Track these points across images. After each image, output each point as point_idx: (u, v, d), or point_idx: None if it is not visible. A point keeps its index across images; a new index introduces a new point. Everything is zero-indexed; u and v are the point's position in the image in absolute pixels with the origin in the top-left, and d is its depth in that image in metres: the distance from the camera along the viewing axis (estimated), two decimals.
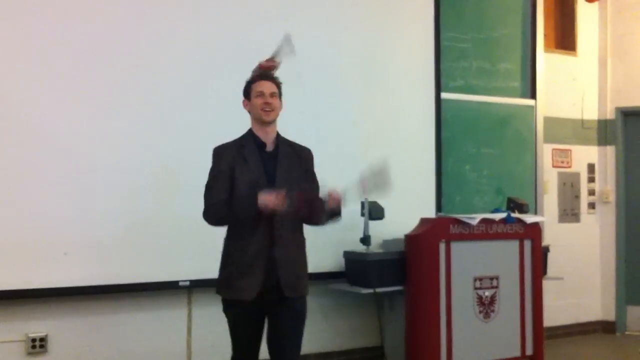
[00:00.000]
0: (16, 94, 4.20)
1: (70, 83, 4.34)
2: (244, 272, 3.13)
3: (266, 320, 3.28)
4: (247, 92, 3.35)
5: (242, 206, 3.12)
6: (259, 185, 3.12)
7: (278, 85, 3.37)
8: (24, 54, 4.24)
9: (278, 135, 3.37)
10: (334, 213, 3.24)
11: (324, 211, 3.20)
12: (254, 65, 3.55)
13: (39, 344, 4.29)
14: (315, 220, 3.29)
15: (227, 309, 3.25)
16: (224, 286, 3.23)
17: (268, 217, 3.09)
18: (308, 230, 3.39)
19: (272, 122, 3.31)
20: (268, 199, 3.02)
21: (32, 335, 4.28)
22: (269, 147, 3.30)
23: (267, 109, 3.25)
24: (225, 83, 4.48)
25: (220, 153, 3.30)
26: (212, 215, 3.23)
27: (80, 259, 4.29)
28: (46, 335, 4.32)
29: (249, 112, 3.36)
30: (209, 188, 3.26)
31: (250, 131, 3.35)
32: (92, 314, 4.45)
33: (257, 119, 3.30)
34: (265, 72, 3.43)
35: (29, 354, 4.28)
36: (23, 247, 4.16)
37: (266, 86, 3.30)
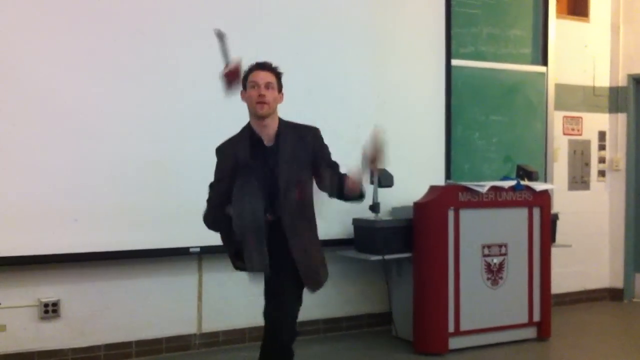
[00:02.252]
0: (26, 66, 4.20)
1: (81, 55, 4.34)
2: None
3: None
4: (244, 83, 3.15)
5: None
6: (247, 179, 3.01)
7: (277, 75, 3.14)
8: (35, 30, 4.23)
9: (281, 123, 3.17)
10: (357, 196, 3.15)
11: (341, 187, 3.11)
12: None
13: (51, 309, 4.35)
14: (340, 197, 3.18)
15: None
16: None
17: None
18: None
19: (268, 116, 3.09)
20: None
21: (44, 300, 4.34)
22: (268, 142, 3.12)
23: (260, 101, 3.04)
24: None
25: (221, 152, 3.18)
26: (206, 223, 3.21)
27: (90, 225, 4.33)
28: (58, 300, 4.38)
29: (246, 104, 3.16)
30: (211, 188, 3.20)
31: (248, 125, 3.18)
32: (103, 280, 4.50)
33: (252, 113, 3.12)
34: (263, 62, 3.15)
35: (42, 318, 4.34)
36: (34, 214, 4.19)
37: (261, 76, 3.07)
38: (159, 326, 4.68)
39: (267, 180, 3.04)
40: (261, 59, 3.21)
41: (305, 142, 3.17)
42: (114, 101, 4.42)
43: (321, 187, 3.21)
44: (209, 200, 3.19)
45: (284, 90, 3.20)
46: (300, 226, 3.13)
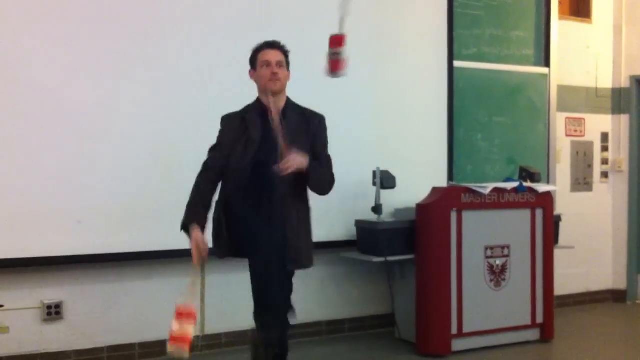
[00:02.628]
0: (29, 68, 4.20)
1: (84, 56, 4.34)
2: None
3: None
4: (253, 62, 3.27)
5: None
6: (252, 154, 3.16)
7: (285, 53, 3.28)
8: (39, 32, 4.24)
9: (288, 102, 3.30)
10: (312, 181, 3.21)
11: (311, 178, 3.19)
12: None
13: (54, 311, 4.36)
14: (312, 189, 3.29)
15: None
16: None
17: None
18: (321, 199, 3.39)
19: (280, 91, 3.23)
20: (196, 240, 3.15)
21: (47, 302, 4.35)
22: (275, 115, 3.20)
23: (273, 79, 3.17)
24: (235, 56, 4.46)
25: (226, 121, 3.31)
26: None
27: (93, 227, 4.33)
28: (61, 302, 4.39)
29: (255, 82, 3.28)
30: (211, 151, 3.32)
31: (257, 100, 3.30)
32: (106, 282, 4.51)
33: (264, 90, 3.23)
34: (272, 41, 3.29)
35: (45, 320, 4.35)
36: (37, 216, 4.20)
37: (272, 55, 3.22)
38: (162, 328, 4.65)
39: (269, 149, 3.13)
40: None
41: (309, 125, 3.29)
42: (118, 102, 4.42)
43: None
44: (205, 163, 3.29)
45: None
46: (292, 201, 3.20)
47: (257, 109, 3.27)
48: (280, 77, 3.20)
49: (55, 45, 4.27)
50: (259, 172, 3.16)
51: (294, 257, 3.21)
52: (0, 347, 4.18)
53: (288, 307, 3.29)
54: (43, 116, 4.24)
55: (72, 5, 4.33)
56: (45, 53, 4.24)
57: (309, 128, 3.28)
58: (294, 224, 3.20)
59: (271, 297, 3.20)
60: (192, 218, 3.18)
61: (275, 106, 3.11)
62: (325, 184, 3.29)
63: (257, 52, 3.26)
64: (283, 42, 3.39)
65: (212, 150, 3.32)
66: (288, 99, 3.32)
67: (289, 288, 3.32)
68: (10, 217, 4.13)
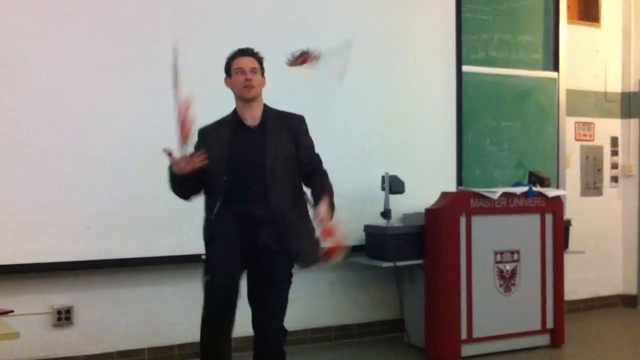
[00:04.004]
0: (40, 73, 4.23)
1: (96, 62, 4.37)
2: None
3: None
4: (228, 69, 3.27)
5: (170, 181, 3.21)
6: (223, 162, 3.13)
7: (259, 60, 3.26)
8: (53, 38, 4.28)
9: (266, 109, 3.29)
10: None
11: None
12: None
13: (64, 316, 4.37)
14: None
15: None
16: None
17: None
18: None
19: (255, 98, 3.23)
20: (176, 160, 3.04)
21: (57, 307, 4.37)
22: (250, 122, 3.23)
23: (247, 85, 3.17)
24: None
25: (202, 134, 3.26)
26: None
27: (103, 232, 4.35)
28: (71, 307, 4.41)
29: (231, 89, 3.28)
30: None
31: (234, 112, 3.30)
32: (116, 287, 4.52)
33: (239, 97, 3.25)
34: (245, 48, 3.27)
35: (55, 325, 4.37)
36: (47, 221, 4.22)
37: (246, 62, 3.20)
38: (171, 333, 4.69)
39: (252, 157, 3.15)
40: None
41: (290, 128, 3.27)
42: (129, 108, 4.44)
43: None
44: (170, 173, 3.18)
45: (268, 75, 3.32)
46: (286, 203, 3.18)
47: (232, 121, 3.26)
48: (255, 84, 3.20)
49: (68, 53, 4.29)
50: (247, 178, 3.16)
51: (299, 252, 3.20)
52: (11, 352, 4.18)
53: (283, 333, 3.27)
54: (52, 123, 4.26)
55: (77, 8, 4.35)
56: (57, 60, 4.27)
57: (289, 130, 3.27)
58: (297, 225, 3.20)
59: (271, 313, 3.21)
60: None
61: None
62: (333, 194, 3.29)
63: (231, 59, 3.26)
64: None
65: None
66: (265, 106, 3.30)
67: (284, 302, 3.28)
68: (20, 222, 4.15)
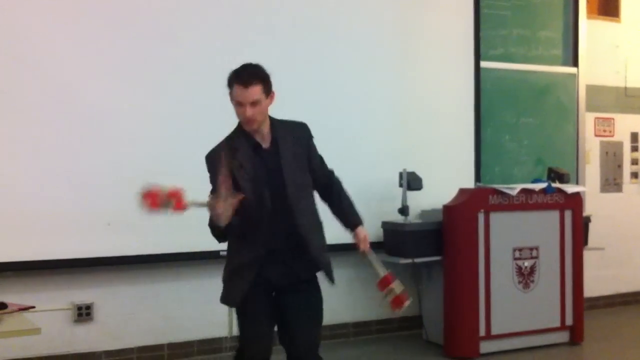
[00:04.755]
0: (61, 72, 4.28)
1: (116, 62, 4.42)
2: None
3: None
4: (230, 89, 2.90)
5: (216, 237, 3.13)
6: (261, 189, 2.89)
7: (263, 83, 2.86)
8: (74, 39, 4.32)
9: (273, 123, 3.00)
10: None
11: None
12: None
13: (85, 312, 4.42)
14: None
15: None
16: None
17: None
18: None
19: (258, 129, 2.92)
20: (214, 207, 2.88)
21: (78, 303, 4.41)
22: (266, 145, 2.95)
23: (248, 121, 2.86)
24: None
25: (213, 160, 2.99)
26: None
27: (123, 229, 4.37)
28: (92, 303, 4.45)
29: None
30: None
31: (240, 128, 2.99)
32: (136, 283, 4.56)
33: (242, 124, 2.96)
34: (245, 75, 2.84)
35: (75, 321, 4.41)
36: (68, 218, 4.26)
37: (245, 96, 2.81)
38: (191, 329, 4.72)
39: (270, 183, 2.91)
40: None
41: (301, 141, 3.05)
42: (148, 106, 4.48)
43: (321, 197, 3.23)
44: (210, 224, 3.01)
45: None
46: (314, 227, 3.09)
47: (246, 144, 2.95)
48: (256, 119, 2.86)
49: (90, 53, 4.34)
50: (274, 205, 2.93)
51: (328, 272, 3.18)
52: (32, 347, 4.24)
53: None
54: (73, 121, 4.30)
55: (95, 9, 4.39)
56: (78, 60, 4.31)
57: (301, 143, 3.04)
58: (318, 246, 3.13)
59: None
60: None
61: None
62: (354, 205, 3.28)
63: (230, 83, 2.88)
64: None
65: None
66: (271, 122, 3.00)
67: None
68: (42, 219, 4.19)
